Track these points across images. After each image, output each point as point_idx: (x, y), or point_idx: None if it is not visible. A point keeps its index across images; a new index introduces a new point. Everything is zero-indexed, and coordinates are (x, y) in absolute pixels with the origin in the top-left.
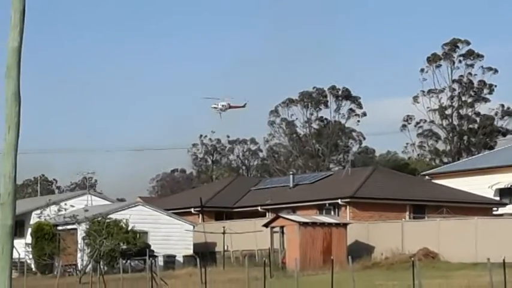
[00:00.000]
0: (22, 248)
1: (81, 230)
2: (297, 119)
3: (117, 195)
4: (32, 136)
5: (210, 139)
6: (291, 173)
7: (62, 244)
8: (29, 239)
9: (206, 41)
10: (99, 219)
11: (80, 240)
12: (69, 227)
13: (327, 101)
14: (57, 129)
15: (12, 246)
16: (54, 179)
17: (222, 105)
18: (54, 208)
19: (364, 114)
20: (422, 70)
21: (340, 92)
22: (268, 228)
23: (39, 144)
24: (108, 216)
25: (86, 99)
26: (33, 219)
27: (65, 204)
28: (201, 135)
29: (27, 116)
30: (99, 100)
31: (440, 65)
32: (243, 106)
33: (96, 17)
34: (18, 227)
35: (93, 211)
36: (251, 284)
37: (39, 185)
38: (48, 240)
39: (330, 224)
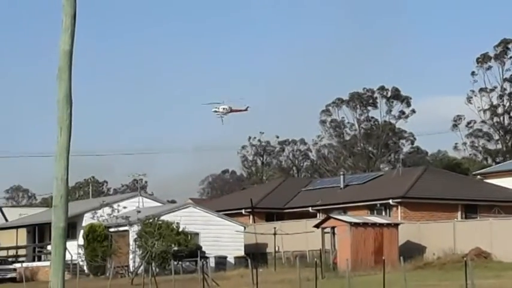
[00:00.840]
0: (74, 249)
1: (133, 231)
2: (348, 122)
3: (167, 197)
4: (90, 137)
5: (259, 140)
6: (341, 173)
7: (114, 246)
8: (81, 240)
9: (258, 39)
10: (151, 220)
11: (131, 241)
12: (121, 228)
13: (376, 102)
14: (115, 132)
15: (65, 248)
16: (105, 181)
17: (224, 109)
18: (106, 210)
19: (413, 111)
20: (473, 72)
21: (389, 93)
22: (319, 229)
23: (93, 146)
24: (160, 218)
25: (142, 100)
26: (85, 221)
27: (117, 206)
28: (249, 137)
29: (88, 118)
30: (156, 101)
31: (491, 67)
32: (245, 110)
33: (153, 19)
34: (70, 229)
35: (145, 213)
36: (302, 284)
37: (90, 187)
38: (100, 241)
39: (381, 225)
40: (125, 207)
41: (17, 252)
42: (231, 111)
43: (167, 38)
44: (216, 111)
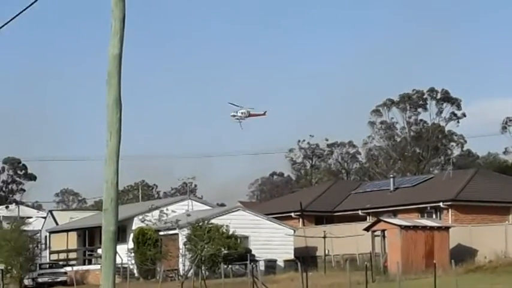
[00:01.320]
0: (124, 253)
1: (183, 235)
2: (397, 123)
3: (216, 200)
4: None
5: (308, 143)
6: (391, 176)
7: (164, 249)
8: (131, 244)
9: (308, 41)
10: (200, 224)
11: (181, 245)
12: (170, 232)
13: (426, 103)
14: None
15: (115, 252)
16: (154, 185)
17: (242, 113)
18: (156, 213)
19: (464, 114)
20: None
21: (439, 95)
22: (369, 232)
23: (141, 150)
24: (209, 221)
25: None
26: (135, 225)
27: (167, 209)
28: (298, 140)
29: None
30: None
31: None
32: (263, 114)
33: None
34: (120, 233)
35: (194, 216)
36: None
37: (140, 190)
38: (150, 245)
39: (431, 228)
40: (174, 211)
41: (67, 256)
42: (250, 115)
43: (222, 40)
44: (234, 116)
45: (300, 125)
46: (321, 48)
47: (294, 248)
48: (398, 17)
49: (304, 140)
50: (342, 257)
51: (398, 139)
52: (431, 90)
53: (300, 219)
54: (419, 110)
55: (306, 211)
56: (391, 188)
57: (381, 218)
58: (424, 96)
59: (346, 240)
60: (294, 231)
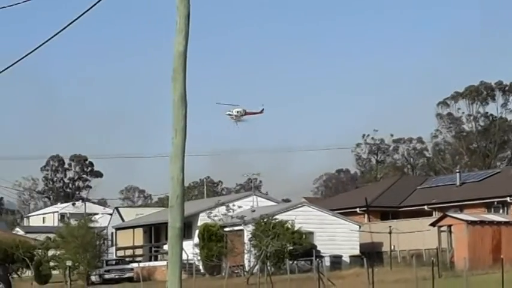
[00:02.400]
0: (190, 249)
1: (248, 231)
2: (463, 113)
3: (281, 196)
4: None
5: (372, 138)
6: (457, 171)
7: (229, 245)
8: (196, 240)
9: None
10: (265, 220)
11: (246, 241)
12: (235, 228)
13: (494, 96)
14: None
15: (181, 248)
16: (220, 181)
17: (238, 112)
18: (221, 209)
19: None
20: None
21: (507, 88)
22: (436, 228)
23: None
24: (274, 217)
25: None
26: (201, 221)
27: (232, 205)
28: (363, 135)
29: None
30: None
31: None
32: (260, 112)
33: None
34: (186, 229)
35: (259, 212)
36: (419, 284)
37: (205, 187)
38: (216, 241)
39: (499, 223)
40: (239, 207)
41: (133, 252)
42: (246, 114)
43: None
44: (229, 115)
45: (364, 120)
46: (387, 43)
47: (359, 244)
48: (464, 10)
49: (368, 135)
50: (408, 252)
51: (465, 133)
52: (499, 83)
53: (366, 215)
54: (487, 103)
55: (371, 206)
56: (458, 183)
57: (447, 213)
58: (492, 89)
59: (412, 235)
60: (359, 226)
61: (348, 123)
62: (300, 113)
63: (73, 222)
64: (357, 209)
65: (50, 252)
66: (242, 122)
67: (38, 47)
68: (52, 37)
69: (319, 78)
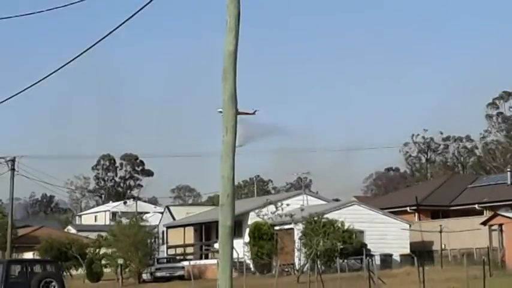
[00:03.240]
0: (240, 248)
1: (298, 229)
2: None
3: (331, 195)
4: None
5: (422, 137)
6: (508, 170)
7: (280, 243)
8: (247, 239)
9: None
10: (315, 218)
11: (296, 239)
12: (286, 226)
13: None
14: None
15: (232, 247)
16: (270, 180)
17: None
18: (271, 208)
19: None
20: None
21: None
22: (486, 227)
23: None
24: (324, 216)
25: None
26: (251, 220)
27: (282, 204)
28: (412, 135)
29: None
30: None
31: None
32: (253, 113)
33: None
34: (236, 227)
35: (309, 211)
36: (470, 283)
37: (255, 185)
38: (266, 240)
39: None
40: (288, 205)
41: (184, 251)
42: (238, 113)
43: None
44: (220, 112)
45: (414, 119)
46: (438, 43)
47: (409, 243)
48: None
49: (418, 135)
50: (459, 251)
51: None
52: None
53: (416, 214)
54: None
55: (421, 205)
56: (509, 182)
57: (498, 212)
58: None
59: (463, 234)
60: (410, 225)
61: (398, 122)
62: (350, 112)
63: (124, 220)
64: (407, 208)
65: (102, 251)
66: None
67: (89, 48)
68: (106, 35)
69: (369, 77)
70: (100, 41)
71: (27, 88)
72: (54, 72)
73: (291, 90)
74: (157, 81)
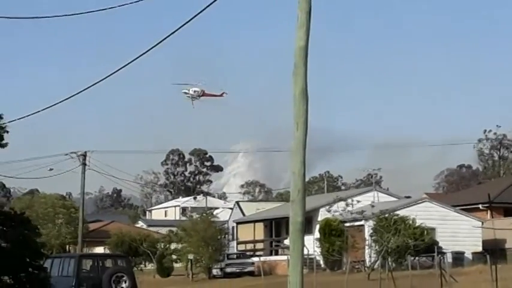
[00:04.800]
0: (310, 244)
1: (368, 226)
2: None
3: (402, 192)
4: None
5: (495, 134)
6: None
7: (350, 240)
8: (317, 235)
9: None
10: (386, 215)
11: (367, 236)
12: (356, 223)
13: None
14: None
15: (303, 243)
16: (339, 176)
17: (194, 91)
18: (341, 204)
19: None
20: None
21: None
22: None
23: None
24: (395, 213)
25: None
26: (321, 216)
27: (352, 200)
28: (485, 130)
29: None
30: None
31: None
32: (220, 95)
33: None
34: (306, 224)
35: (380, 207)
36: None
37: (325, 181)
38: (336, 236)
39: None
40: (359, 201)
41: (254, 246)
42: (204, 94)
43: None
44: (186, 93)
45: (487, 116)
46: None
47: (482, 240)
48: None
49: (490, 131)
50: None
51: None
52: None
53: (488, 211)
54: None
55: (494, 203)
56: None
57: None
58: None
59: None
60: (482, 223)
61: (471, 118)
62: (422, 107)
63: (195, 216)
64: (480, 205)
65: (173, 246)
66: (199, 101)
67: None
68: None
69: (443, 72)
70: (168, 36)
71: (97, 83)
72: (123, 67)
73: (354, 94)
74: (227, 75)
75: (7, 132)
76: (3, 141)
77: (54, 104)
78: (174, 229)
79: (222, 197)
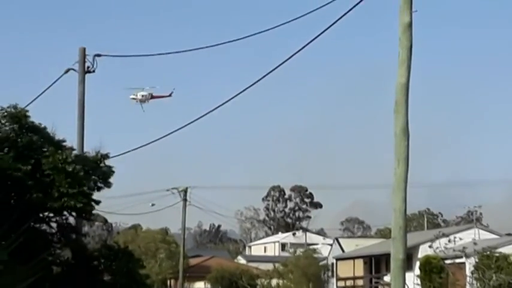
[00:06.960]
0: (411, 281)
1: (469, 263)
2: None
3: (503, 230)
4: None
5: None
6: None
7: (451, 278)
8: (416, 271)
9: None
10: (488, 253)
11: (468, 273)
12: (457, 260)
13: None
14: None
15: (404, 280)
16: (439, 213)
17: (142, 96)
18: (443, 241)
19: None
20: None
21: None
22: None
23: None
24: (497, 250)
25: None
26: (421, 253)
27: (454, 237)
28: None
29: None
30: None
31: None
32: (169, 95)
33: None
34: (406, 261)
35: (481, 245)
36: None
37: (425, 218)
38: (436, 273)
39: None
40: (460, 239)
41: (354, 283)
42: (152, 97)
43: None
44: (134, 99)
45: None
46: None
47: None
48: None
49: None
50: None
51: None
52: None
53: None
54: None
55: None
56: None
57: None
58: None
59: None
60: None
61: None
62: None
63: (297, 252)
64: None
65: (273, 282)
66: (148, 104)
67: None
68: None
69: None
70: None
71: (201, 117)
72: (230, 99)
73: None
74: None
75: (113, 172)
76: (110, 181)
77: (157, 140)
78: (276, 264)
79: (321, 233)
